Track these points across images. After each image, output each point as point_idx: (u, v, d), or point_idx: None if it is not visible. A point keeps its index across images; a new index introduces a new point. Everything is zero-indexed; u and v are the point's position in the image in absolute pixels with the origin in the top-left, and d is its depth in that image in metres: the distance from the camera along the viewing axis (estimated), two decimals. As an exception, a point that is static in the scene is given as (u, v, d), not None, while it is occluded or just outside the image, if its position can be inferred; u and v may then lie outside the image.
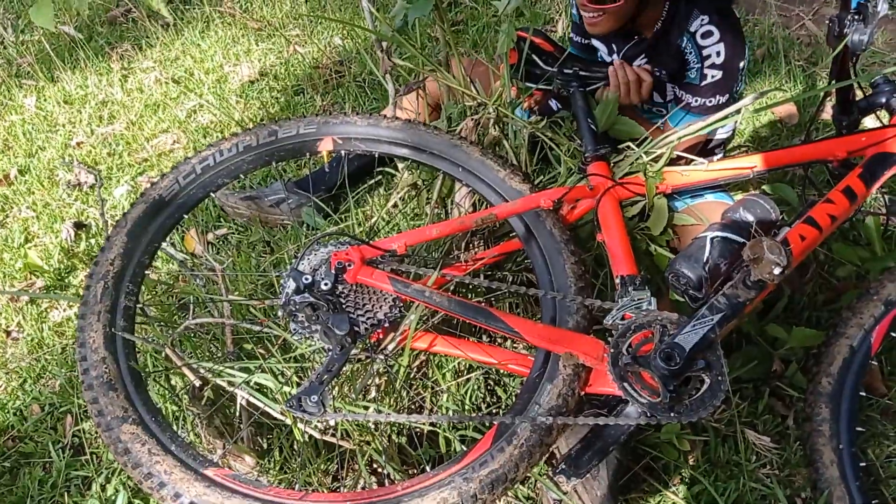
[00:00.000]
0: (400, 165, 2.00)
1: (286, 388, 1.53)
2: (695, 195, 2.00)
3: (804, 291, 2.03)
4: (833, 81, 1.87)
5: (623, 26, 1.98)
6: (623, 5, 1.89)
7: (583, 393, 1.49)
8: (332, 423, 1.57)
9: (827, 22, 1.79)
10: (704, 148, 2.25)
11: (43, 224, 2.61)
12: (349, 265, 1.50)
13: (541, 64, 1.96)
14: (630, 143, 1.82)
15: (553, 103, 2.21)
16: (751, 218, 1.71)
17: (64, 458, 1.82)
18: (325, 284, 1.47)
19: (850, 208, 1.72)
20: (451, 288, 1.76)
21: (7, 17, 3.82)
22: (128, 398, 1.42)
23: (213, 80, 3.28)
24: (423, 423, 1.65)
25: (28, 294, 2.27)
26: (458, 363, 1.73)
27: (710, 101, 1.98)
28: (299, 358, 1.60)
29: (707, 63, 1.93)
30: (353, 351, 1.52)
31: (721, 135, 2.25)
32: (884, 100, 1.88)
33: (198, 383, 1.51)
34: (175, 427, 1.66)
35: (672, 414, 1.36)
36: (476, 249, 1.88)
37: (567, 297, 1.56)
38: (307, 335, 1.52)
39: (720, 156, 2.30)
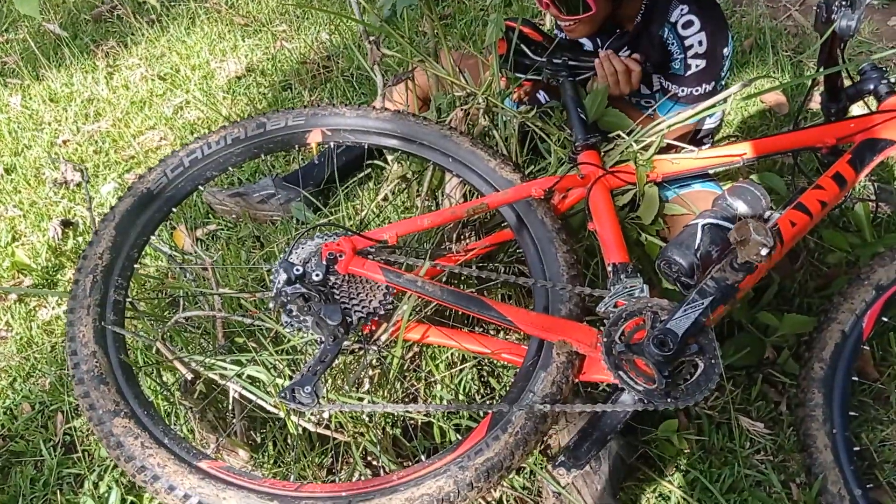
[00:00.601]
0: (389, 158, 1.99)
1: (279, 381, 1.52)
2: (683, 184, 2.00)
3: (795, 279, 2.03)
4: (821, 68, 1.87)
5: (602, 24, 1.99)
6: (595, 13, 1.90)
7: (577, 380, 1.49)
8: (325, 414, 1.56)
9: (815, 8, 1.79)
10: (693, 138, 2.25)
11: (30, 223, 2.59)
12: (340, 256, 1.49)
13: (530, 54, 1.95)
14: (620, 132, 1.82)
15: (541, 95, 2.21)
16: (741, 205, 1.71)
17: (55, 456, 1.80)
18: (317, 275, 1.46)
19: (839, 194, 1.73)
20: (444, 278, 1.75)
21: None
22: (119, 392, 1.41)
23: (200, 76, 3.26)
24: (418, 414, 1.64)
25: (16, 291, 2.25)
26: (451, 354, 1.73)
27: (697, 90, 1.99)
28: (291, 350, 1.58)
29: (690, 53, 1.94)
30: (346, 342, 1.52)
31: (709, 124, 2.26)
32: (871, 86, 1.88)
33: (189, 377, 1.50)
34: (167, 421, 1.65)
35: (668, 399, 1.36)
36: (467, 240, 1.88)
37: (559, 285, 1.56)
38: (299, 327, 1.51)
39: (709, 145, 2.31)
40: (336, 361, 1.53)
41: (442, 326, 1.61)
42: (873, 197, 2.10)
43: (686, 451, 1.71)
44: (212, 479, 1.28)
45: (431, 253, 1.74)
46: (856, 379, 1.66)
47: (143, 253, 1.64)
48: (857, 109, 1.96)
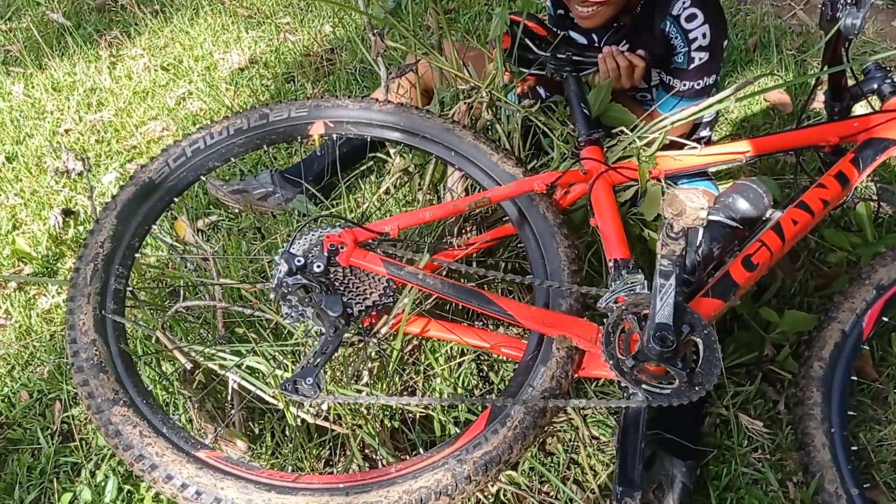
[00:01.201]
0: (392, 151, 1.98)
1: (278, 372, 1.52)
2: (680, 184, 2.00)
3: (795, 278, 2.03)
4: (825, 67, 1.87)
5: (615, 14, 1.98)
6: None
7: (576, 375, 1.49)
8: (324, 406, 1.56)
9: (820, 7, 1.79)
10: (693, 131, 2.25)
11: (31, 211, 2.59)
12: (342, 247, 1.49)
13: (534, 48, 1.95)
14: (624, 128, 1.81)
15: (541, 90, 2.20)
16: (743, 203, 1.71)
17: (53, 444, 1.80)
18: (318, 267, 1.46)
19: (841, 193, 1.73)
20: (444, 272, 1.75)
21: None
22: (118, 380, 1.41)
23: (203, 67, 3.25)
24: (417, 407, 1.64)
25: (15, 279, 2.24)
26: (451, 348, 1.73)
27: (699, 84, 1.99)
28: (290, 341, 1.58)
29: (694, 46, 1.94)
30: (346, 334, 1.51)
31: (707, 117, 2.25)
32: (875, 86, 1.88)
33: (189, 367, 1.50)
34: (167, 411, 1.65)
35: (696, 388, 1.36)
36: (469, 234, 1.87)
37: (560, 282, 1.55)
38: (299, 318, 1.51)
39: (708, 134, 2.30)
40: (336, 353, 1.53)
41: (442, 320, 1.61)
42: (875, 197, 2.09)
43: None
44: (210, 468, 1.29)
45: (432, 246, 1.74)
46: (855, 378, 1.66)
47: (145, 242, 1.64)
48: (860, 109, 1.97)
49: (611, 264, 1.56)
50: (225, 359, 1.51)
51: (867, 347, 1.80)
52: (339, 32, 3.38)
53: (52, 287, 2.23)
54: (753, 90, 2.41)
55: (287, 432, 1.65)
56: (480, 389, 1.77)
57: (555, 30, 2.05)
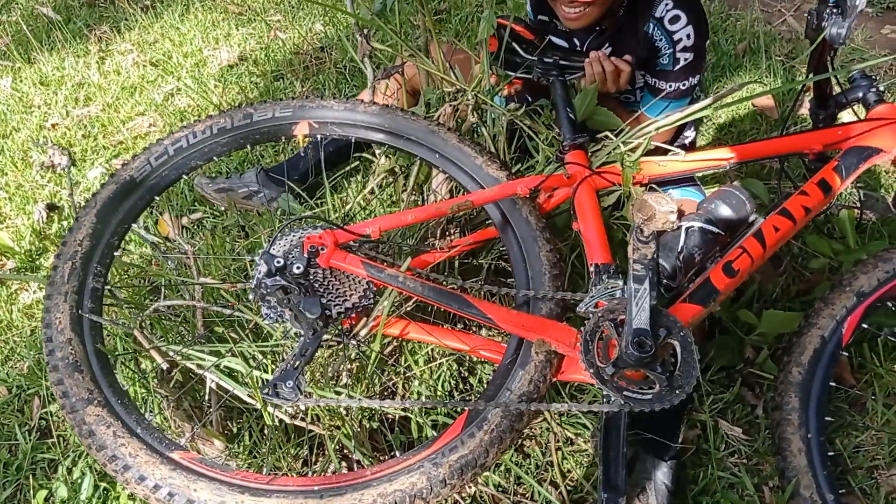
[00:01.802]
0: (377, 151, 1.98)
1: (256, 373, 1.52)
2: (664, 190, 2.00)
3: (777, 283, 2.04)
4: (811, 75, 1.88)
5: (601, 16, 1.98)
6: None
7: (555, 379, 1.49)
8: (302, 406, 1.56)
9: (806, 15, 1.79)
10: (678, 132, 2.25)
11: (15, 205, 2.57)
12: (322, 249, 1.48)
13: (521, 52, 1.95)
14: (608, 133, 1.82)
15: (528, 94, 2.19)
16: (725, 209, 1.72)
17: (30, 440, 1.79)
18: (298, 268, 1.45)
19: (824, 200, 1.74)
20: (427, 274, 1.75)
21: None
22: (93, 380, 1.40)
23: (192, 63, 3.24)
24: (395, 409, 1.64)
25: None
26: (431, 350, 1.73)
27: (685, 85, 2.00)
28: (270, 341, 1.58)
29: (679, 47, 1.95)
30: (326, 336, 1.51)
31: (688, 133, 2.26)
32: (860, 94, 1.89)
33: (165, 366, 1.49)
34: (144, 410, 1.65)
35: (678, 391, 1.37)
36: (453, 236, 1.87)
37: (541, 286, 1.55)
38: (279, 319, 1.50)
39: (692, 134, 2.30)
40: (316, 355, 1.52)
41: (422, 322, 1.61)
42: (858, 204, 2.10)
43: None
44: (183, 469, 1.28)
45: (415, 249, 1.74)
46: (833, 384, 1.67)
47: (126, 240, 1.63)
48: (847, 116, 1.97)
49: (592, 269, 1.56)
50: (203, 358, 1.51)
51: (846, 354, 1.81)
52: (329, 31, 3.37)
53: (33, 283, 2.22)
54: (740, 96, 2.41)
55: (265, 432, 1.65)
56: (460, 391, 1.77)
57: (544, 33, 2.05)
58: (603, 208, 1.82)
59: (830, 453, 1.58)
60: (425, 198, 1.93)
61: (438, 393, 1.74)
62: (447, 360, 1.71)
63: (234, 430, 1.71)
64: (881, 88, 1.90)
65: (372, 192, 2.02)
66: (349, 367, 1.59)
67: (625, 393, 1.39)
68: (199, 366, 1.52)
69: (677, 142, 2.30)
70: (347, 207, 2.02)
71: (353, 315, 1.56)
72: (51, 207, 2.54)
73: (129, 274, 1.80)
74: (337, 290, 1.51)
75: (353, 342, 1.55)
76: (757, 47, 3.06)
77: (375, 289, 1.55)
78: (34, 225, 2.46)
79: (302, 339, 1.43)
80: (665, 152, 1.81)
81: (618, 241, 1.86)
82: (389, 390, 1.71)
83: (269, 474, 1.36)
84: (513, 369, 1.46)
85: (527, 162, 1.94)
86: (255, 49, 3.30)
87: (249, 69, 3.17)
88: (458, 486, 1.32)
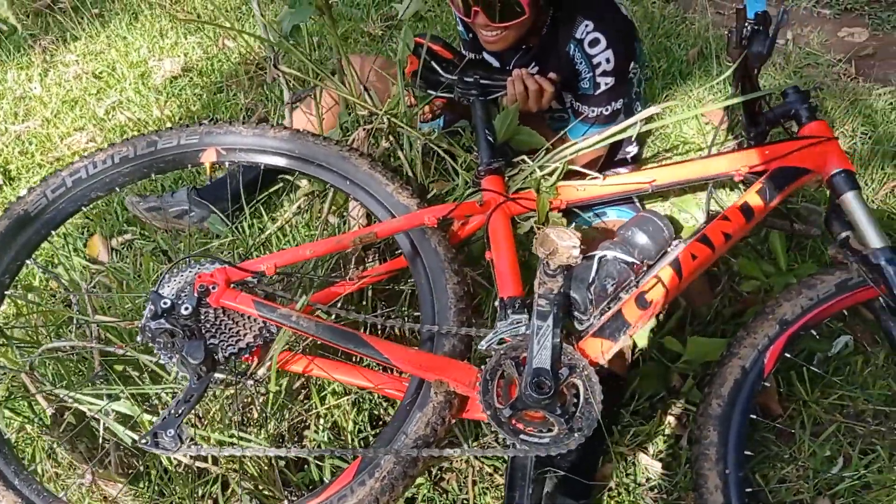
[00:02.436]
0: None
1: (146, 417, 1.46)
2: (598, 211, 1.95)
3: (712, 305, 1.99)
4: (736, 93, 1.83)
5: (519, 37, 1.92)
6: (527, 17, 1.82)
7: (454, 419, 1.45)
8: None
9: (726, 32, 1.74)
10: (616, 150, 2.19)
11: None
12: (213, 288, 1.43)
13: (440, 71, 1.89)
14: (525, 157, 1.76)
15: (446, 115, 2.13)
16: (642, 237, 1.66)
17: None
18: (186, 309, 1.40)
19: (745, 226, 1.69)
20: (339, 304, 1.69)
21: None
22: (-29, 430, 1.36)
23: (136, 74, 3.17)
24: (286, 455, 1.58)
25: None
26: (339, 387, 1.68)
27: (607, 110, 1.94)
28: (165, 383, 1.53)
29: (598, 71, 1.88)
30: (219, 377, 1.46)
31: (630, 148, 2.20)
32: (792, 110, 1.83)
33: (51, 411, 1.44)
34: (39, 454, 1.59)
35: (577, 434, 1.33)
36: (374, 262, 1.82)
37: (445, 321, 1.51)
38: (170, 360, 1.45)
39: (634, 150, 2.25)
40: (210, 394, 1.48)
41: (325, 359, 1.55)
42: (792, 220, 2.04)
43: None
44: (53, 527, 1.23)
45: (323, 280, 1.69)
46: (754, 417, 1.62)
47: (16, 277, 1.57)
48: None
49: (497, 303, 1.51)
50: (91, 402, 1.46)
51: (770, 384, 1.76)
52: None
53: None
54: (661, 117, 2.31)
55: (169, 470, 1.60)
56: (370, 430, 1.72)
57: (465, 53, 1.99)
58: (523, 235, 1.78)
59: (749, 489, 1.53)
60: (348, 224, 1.88)
61: (350, 429, 1.69)
62: (349, 399, 1.66)
63: (141, 468, 1.66)
64: (814, 104, 1.84)
65: (292, 217, 1.96)
66: (247, 407, 1.54)
67: (521, 437, 1.34)
68: (90, 409, 1.47)
69: (618, 156, 2.25)
70: (266, 234, 1.96)
71: (254, 351, 1.51)
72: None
73: (24, 311, 1.75)
74: (230, 329, 1.46)
75: (250, 382, 1.50)
76: (709, 53, 2.99)
77: (273, 326, 1.50)
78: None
79: (188, 384, 1.38)
80: (583, 176, 1.76)
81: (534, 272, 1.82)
82: (295, 428, 1.66)
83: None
84: (411, 411, 1.41)
85: (452, 183, 1.89)
86: (200, 59, 3.24)
87: (194, 80, 3.10)
88: (345, 538, 1.28)
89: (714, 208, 1.82)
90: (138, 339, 1.43)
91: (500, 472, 1.69)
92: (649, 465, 1.70)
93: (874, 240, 1.59)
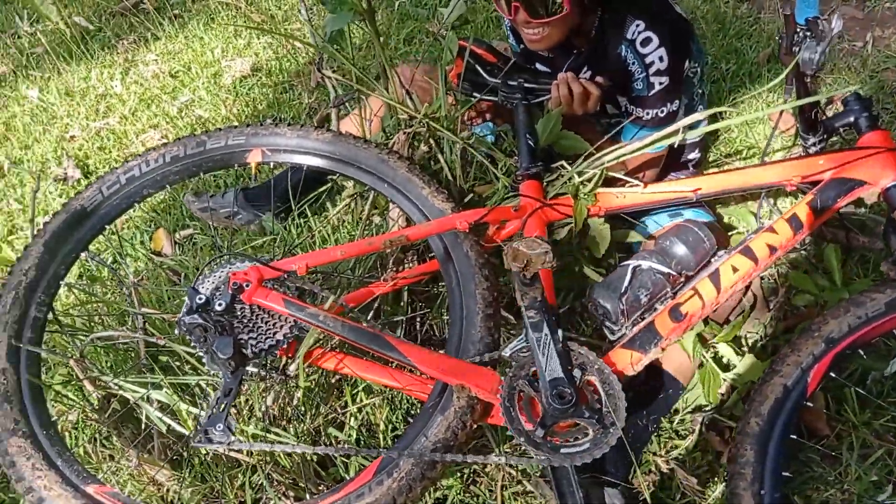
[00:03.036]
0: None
1: (183, 406, 1.53)
2: (674, 213, 1.89)
3: (766, 317, 1.91)
4: (788, 100, 1.75)
5: (564, 38, 1.88)
6: (568, 14, 1.79)
7: (476, 425, 1.45)
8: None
9: (777, 37, 1.67)
10: (678, 154, 2.13)
11: (27, 217, 2.68)
12: (246, 285, 1.48)
13: (484, 75, 1.89)
14: (563, 162, 1.74)
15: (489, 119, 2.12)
16: (681, 248, 1.63)
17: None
18: (220, 305, 1.45)
19: (793, 238, 1.62)
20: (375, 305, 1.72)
21: (23, 8, 3.91)
22: (22, 411, 1.45)
23: (209, 74, 3.29)
24: (313, 452, 1.61)
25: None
26: (367, 385, 1.71)
27: (662, 111, 1.88)
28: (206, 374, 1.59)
29: (652, 70, 1.82)
30: (253, 371, 1.51)
31: (691, 139, 2.12)
32: (852, 118, 1.74)
33: (97, 396, 1.52)
34: (84, 437, 1.69)
35: (612, 430, 1.32)
36: (411, 264, 1.84)
37: (472, 325, 1.51)
38: (204, 355, 1.51)
39: (697, 156, 2.18)
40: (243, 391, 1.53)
41: (355, 357, 1.58)
42: (843, 232, 1.94)
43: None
44: (94, 504, 1.31)
45: (359, 279, 1.72)
46: (795, 437, 1.55)
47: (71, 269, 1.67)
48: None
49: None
50: (134, 390, 1.53)
51: (814, 403, 1.69)
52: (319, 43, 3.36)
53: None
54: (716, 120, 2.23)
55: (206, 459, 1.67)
56: (398, 430, 1.74)
57: (508, 56, 1.98)
58: (565, 240, 1.76)
59: (787, 511, 1.48)
60: (388, 225, 1.90)
61: (380, 429, 1.71)
62: (383, 397, 1.68)
63: (184, 454, 1.74)
64: (875, 113, 1.74)
65: (339, 217, 2.00)
66: (281, 401, 1.59)
67: (562, 451, 1.33)
68: (133, 396, 1.55)
69: (680, 160, 2.18)
70: (310, 234, 2.01)
71: (287, 346, 1.56)
72: (57, 220, 2.63)
73: (78, 300, 1.85)
74: (263, 326, 1.51)
75: (282, 377, 1.55)
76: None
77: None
78: (39, 237, 2.55)
79: (222, 378, 1.44)
80: (623, 184, 1.73)
81: (576, 272, 1.80)
82: (331, 424, 1.70)
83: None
84: (433, 414, 1.42)
85: (493, 187, 1.89)
86: (270, 59, 3.33)
87: (262, 80, 3.20)
88: (359, 536, 1.31)
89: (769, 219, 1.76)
90: (175, 331, 1.50)
91: (529, 479, 1.69)
92: (685, 481, 1.65)
93: (931, 257, 1.50)
